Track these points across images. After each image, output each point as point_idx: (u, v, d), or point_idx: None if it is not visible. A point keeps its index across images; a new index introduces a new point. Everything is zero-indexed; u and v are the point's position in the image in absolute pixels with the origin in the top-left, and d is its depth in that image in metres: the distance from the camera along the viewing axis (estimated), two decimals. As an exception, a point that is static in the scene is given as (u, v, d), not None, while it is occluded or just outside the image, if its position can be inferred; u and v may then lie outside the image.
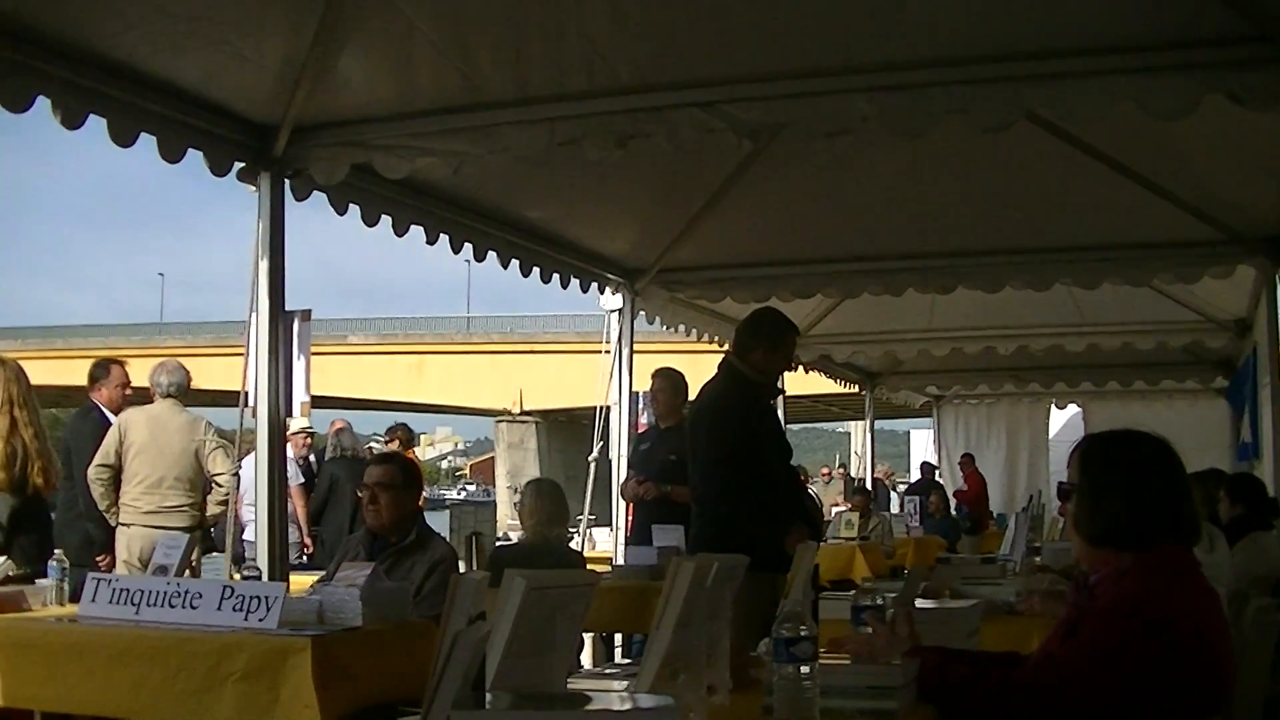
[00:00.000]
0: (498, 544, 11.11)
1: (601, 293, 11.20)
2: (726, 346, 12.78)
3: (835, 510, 18.14)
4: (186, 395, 10.60)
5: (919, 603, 5.45)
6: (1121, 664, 3.61)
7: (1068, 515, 3.99)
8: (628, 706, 2.65)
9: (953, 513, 20.22)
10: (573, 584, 2.93)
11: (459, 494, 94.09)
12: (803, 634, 3.22)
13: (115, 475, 10.09)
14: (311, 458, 15.71)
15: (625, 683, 3.65)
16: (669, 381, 11.00)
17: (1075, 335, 14.51)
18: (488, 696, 2.51)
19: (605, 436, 12.61)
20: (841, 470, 29.52)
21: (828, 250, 10.93)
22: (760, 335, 8.04)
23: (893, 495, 23.79)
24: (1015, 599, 6.60)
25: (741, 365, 7.94)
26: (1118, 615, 3.68)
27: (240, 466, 10.18)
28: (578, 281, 10.57)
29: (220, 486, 10.26)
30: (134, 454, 10.13)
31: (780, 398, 11.14)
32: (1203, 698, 3.71)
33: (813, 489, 19.17)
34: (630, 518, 11.05)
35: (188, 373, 10.68)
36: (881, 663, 3.86)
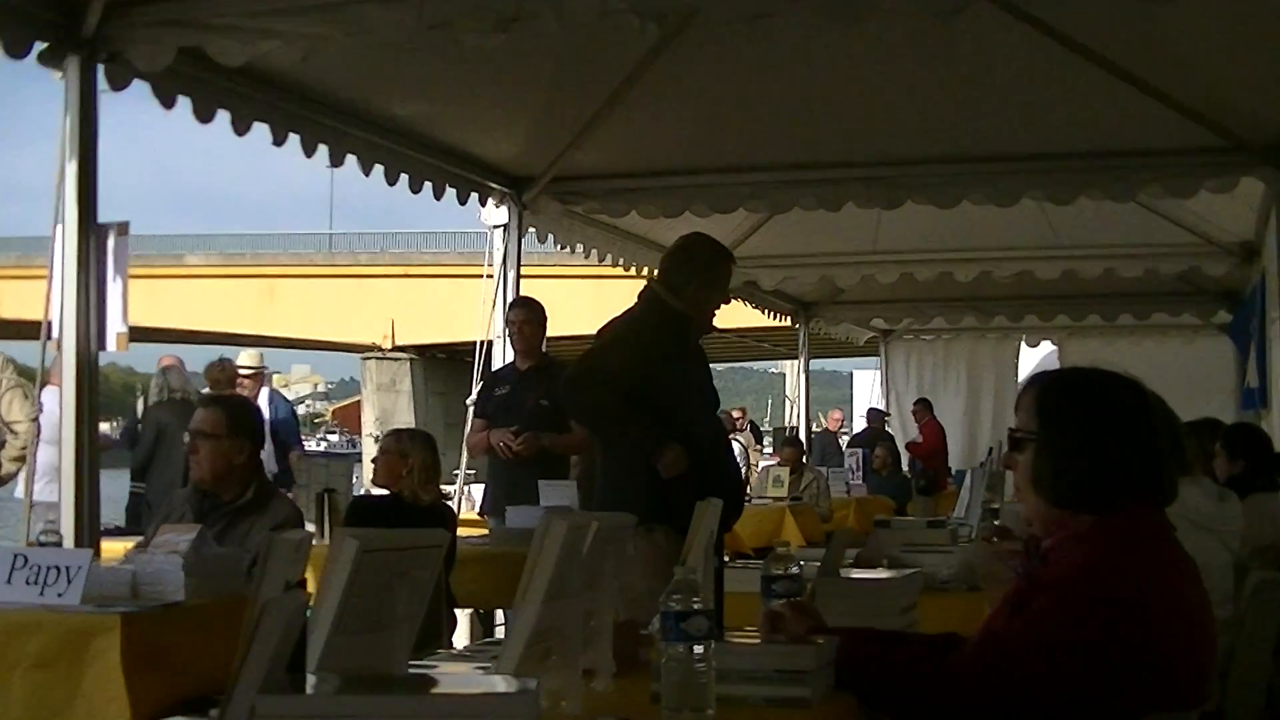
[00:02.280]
0: (356, 496, 10.99)
1: (483, 205, 11.12)
2: (633, 270, 12.81)
3: (762, 465, 18.15)
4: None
5: (847, 573, 5.46)
6: (1079, 643, 3.57)
7: (1019, 469, 3.91)
8: (479, 690, 2.62)
9: (904, 469, 20.30)
10: (416, 544, 2.92)
11: (318, 445, 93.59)
12: (695, 607, 3.24)
13: (-107, 423, 9.98)
14: (140, 405, 15.60)
15: (485, 664, 3.66)
16: (530, 313, 10.86)
17: (1048, 260, 14.49)
18: (308, 679, 2.50)
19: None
20: (741, 413, 29.16)
21: (752, 157, 10.92)
22: (692, 269, 7.83)
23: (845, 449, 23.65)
24: (950, 575, 6.61)
25: (669, 297, 7.80)
26: (1075, 586, 3.65)
27: (41, 409, 10.07)
28: (454, 192, 10.47)
29: (17, 436, 10.15)
30: (-84, 398, 10.02)
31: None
32: (1178, 685, 3.67)
33: (737, 443, 19.13)
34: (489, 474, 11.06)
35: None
36: (792, 641, 3.86)
